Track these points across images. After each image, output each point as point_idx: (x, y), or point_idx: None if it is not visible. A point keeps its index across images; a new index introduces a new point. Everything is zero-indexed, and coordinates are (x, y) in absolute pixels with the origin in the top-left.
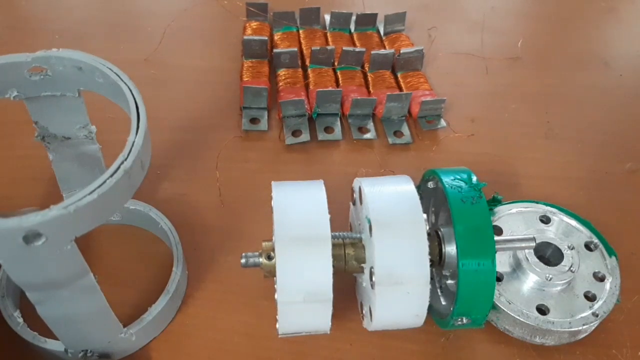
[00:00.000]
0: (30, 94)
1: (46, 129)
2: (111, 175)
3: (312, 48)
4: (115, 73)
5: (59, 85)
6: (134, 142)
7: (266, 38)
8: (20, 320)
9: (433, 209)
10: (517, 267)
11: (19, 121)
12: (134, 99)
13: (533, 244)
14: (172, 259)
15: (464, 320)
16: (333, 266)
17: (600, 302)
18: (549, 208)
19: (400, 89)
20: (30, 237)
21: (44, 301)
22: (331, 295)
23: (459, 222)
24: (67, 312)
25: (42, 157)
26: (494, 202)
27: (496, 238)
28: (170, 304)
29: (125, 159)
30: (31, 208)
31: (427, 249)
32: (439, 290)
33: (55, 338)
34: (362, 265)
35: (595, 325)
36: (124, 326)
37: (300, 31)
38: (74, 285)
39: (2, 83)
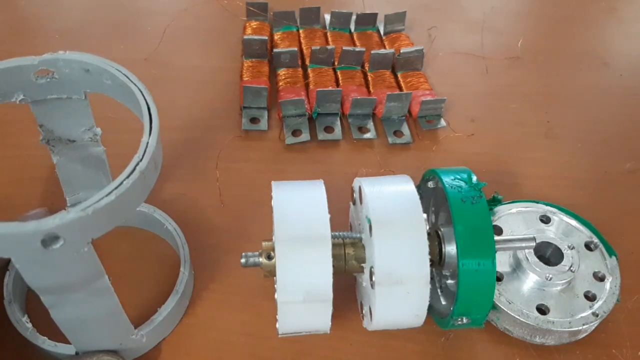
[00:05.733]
0: (36, 97)
1: (51, 132)
2: (127, 177)
3: (312, 48)
4: (124, 74)
5: (66, 87)
6: (147, 143)
7: (266, 38)
8: (29, 325)
9: (433, 209)
10: (517, 267)
11: (19, 121)
12: (145, 100)
13: (533, 244)
14: (175, 259)
15: (464, 320)
16: (333, 266)
17: (600, 302)
18: (549, 208)
19: (400, 88)
20: (48, 241)
21: (58, 305)
22: (331, 295)
23: (459, 222)
24: (81, 315)
25: (42, 157)
26: (494, 202)
27: (496, 238)
28: (179, 305)
29: (140, 160)
30: (41, 210)
31: (427, 249)
32: (439, 290)
33: (64, 341)
34: (362, 265)
35: (595, 325)
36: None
37: (300, 31)
38: (90, 288)
39: (8, 87)
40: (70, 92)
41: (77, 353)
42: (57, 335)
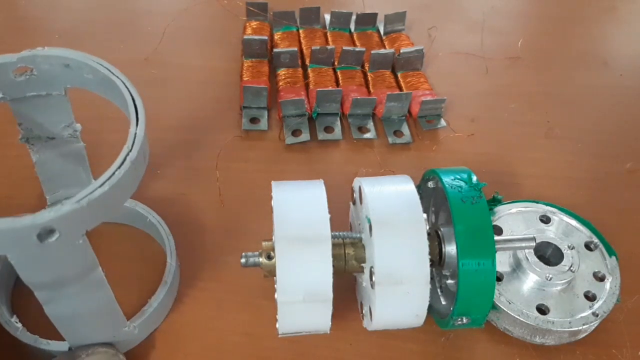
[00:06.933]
0: (16, 95)
1: (30, 130)
2: (119, 167)
3: (312, 48)
4: (105, 68)
5: (45, 84)
6: (135, 133)
7: (266, 38)
8: (19, 325)
9: (433, 209)
10: (517, 267)
11: (13, 121)
12: (129, 92)
13: (533, 244)
14: (159, 252)
15: (464, 320)
16: (333, 266)
17: (600, 302)
18: (549, 208)
19: (400, 88)
20: (43, 234)
21: (53, 300)
22: (331, 295)
23: (459, 222)
24: (76, 309)
25: None
26: (494, 202)
27: (496, 238)
28: (168, 296)
29: (130, 151)
30: (26, 215)
31: (427, 249)
32: (439, 290)
33: (55, 338)
34: (362, 265)
35: (595, 325)
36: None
37: (300, 31)
38: (84, 281)
39: None
40: (49, 89)
41: (70, 349)
42: (46, 333)
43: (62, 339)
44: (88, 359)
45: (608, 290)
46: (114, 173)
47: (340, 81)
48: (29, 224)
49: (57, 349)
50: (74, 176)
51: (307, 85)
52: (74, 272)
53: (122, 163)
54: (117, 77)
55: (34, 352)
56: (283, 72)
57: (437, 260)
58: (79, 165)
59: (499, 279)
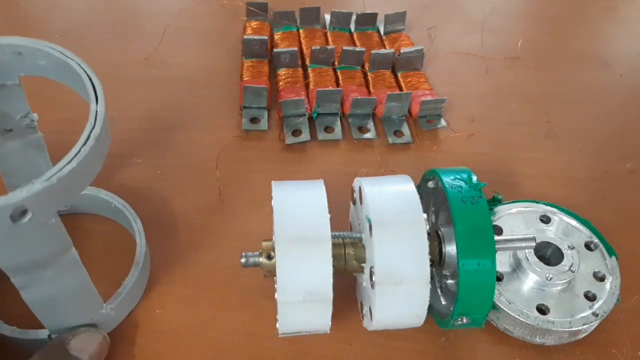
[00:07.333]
0: None
1: None
2: (84, 144)
3: (312, 47)
4: (58, 51)
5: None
6: (97, 111)
7: (266, 38)
8: None
9: (433, 209)
10: (517, 266)
11: None
12: (85, 72)
13: (533, 244)
14: (128, 242)
15: (464, 320)
16: (333, 266)
17: (600, 302)
18: (549, 208)
19: (401, 88)
20: (16, 215)
21: (29, 284)
22: (331, 295)
23: (459, 222)
24: (53, 292)
25: None
26: (494, 201)
27: (496, 238)
28: (141, 276)
29: (93, 127)
30: None
31: (427, 249)
32: (439, 290)
33: (32, 327)
34: (362, 265)
35: (595, 325)
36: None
37: (301, 31)
38: (59, 262)
39: None
40: (4, 79)
41: (49, 336)
42: (22, 324)
43: (40, 327)
44: (75, 339)
45: (608, 290)
46: (79, 150)
47: (340, 81)
48: (2, 205)
49: (35, 338)
50: (35, 168)
51: (307, 85)
52: (49, 253)
53: (87, 140)
54: (71, 59)
55: (14, 343)
56: (283, 72)
57: (437, 260)
58: (39, 157)
59: (499, 279)
